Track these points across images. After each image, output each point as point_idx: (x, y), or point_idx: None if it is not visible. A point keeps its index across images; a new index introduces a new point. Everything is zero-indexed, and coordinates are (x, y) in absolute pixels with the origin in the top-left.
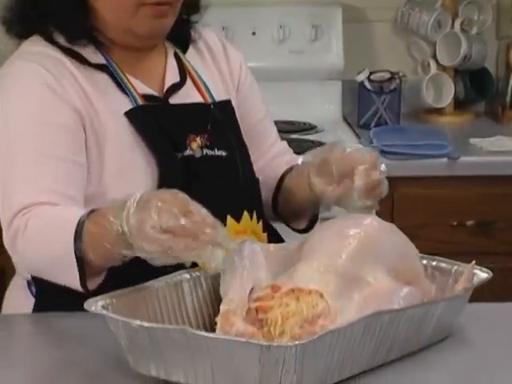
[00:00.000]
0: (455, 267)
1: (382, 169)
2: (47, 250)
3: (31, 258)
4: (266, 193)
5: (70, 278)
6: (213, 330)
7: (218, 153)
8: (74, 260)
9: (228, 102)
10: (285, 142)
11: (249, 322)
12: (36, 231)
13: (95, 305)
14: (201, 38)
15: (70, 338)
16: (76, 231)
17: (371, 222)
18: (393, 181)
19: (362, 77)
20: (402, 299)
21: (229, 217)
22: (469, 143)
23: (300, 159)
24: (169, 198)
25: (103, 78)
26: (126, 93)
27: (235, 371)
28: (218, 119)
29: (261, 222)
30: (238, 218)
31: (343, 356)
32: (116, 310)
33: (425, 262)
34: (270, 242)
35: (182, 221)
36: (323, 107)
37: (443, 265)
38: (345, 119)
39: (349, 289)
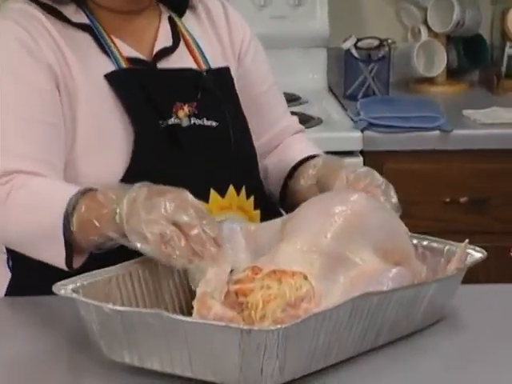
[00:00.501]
0: (447, 247)
1: (392, 201)
2: (32, 223)
3: (12, 231)
4: (274, 184)
5: (53, 254)
6: (190, 314)
7: (207, 123)
8: (62, 236)
9: (225, 70)
10: (295, 118)
11: (228, 306)
12: (20, 203)
13: (65, 288)
14: (201, 2)
15: (38, 324)
16: (67, 207)
17: (358, 198)
18: (381, 155)
19: (348, 44)
20: (391, 280)
21: (212, 190)
22: (462, 115)
23: (311, 150)
24: (188, 199)
25: (85, 39)
26: (108, 55)
27: (214, 357)
28: (211, 87)
29: (252, 199)
30: (223, 193)
31: (329, 341)
32: (87, 293)
33: (415, 241)
34: (265, 219)
35: (196, 224)
36: (307, 77)
37: (435, 244)
38: (330, 90)
39: (334, 270)
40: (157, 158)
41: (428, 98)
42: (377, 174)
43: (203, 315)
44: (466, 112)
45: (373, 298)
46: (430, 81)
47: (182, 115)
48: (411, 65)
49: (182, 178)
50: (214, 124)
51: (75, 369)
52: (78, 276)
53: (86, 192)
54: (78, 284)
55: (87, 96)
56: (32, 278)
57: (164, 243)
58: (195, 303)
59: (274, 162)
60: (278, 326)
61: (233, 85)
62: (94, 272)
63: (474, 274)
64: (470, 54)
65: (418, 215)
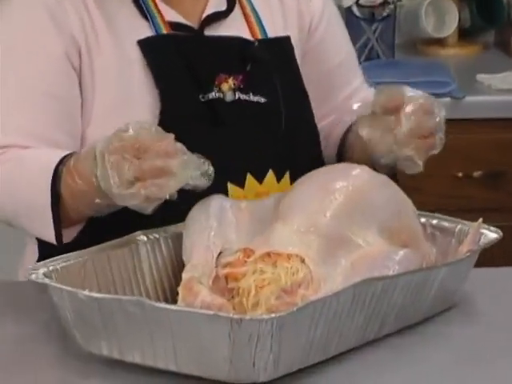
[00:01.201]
0: (459, 226)
1: (437, 119)
2: (17, 194)
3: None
4: (330, 150)
5: (42, 226)
6: (174, 301)
7: (254, 98)
8: (49, 207)
9: (284, 39)
10: (372, 90)
11: (217, 292)
12: (5, 175)
13: (36, 272)
14: None
15: (6, 312)
16: (54, 174)
17: (360, 173)
18: None
19: (349, 1)
20: (397, 264)
21: (249, 175)
22: (475, 80)
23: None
24: (117, 143)
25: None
26: (147, 19)
27: (201, 349)
28: (262, 59)
29: None
30: (261, 179)
31: (328, 331)
32: (60, 278)
33: (424, 220)
34: None
35: (139, 165)
36: None
37: (445, 223)
38: None
39: (334, 253)
40: (186, 136)
41: (438, 62)
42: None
43: (189, 303)
44: (480, 77)
45: (377, 283)
46: (440, 42)
47: (226, 88)
48: (419, 24)
49: (216, 159)
50: (263, 100)
51: (48, 362)
52: (50, 259)
53: (67, 160)
54: (51, 268)
55: (113, 65)
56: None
57: (145, 199)
58: (180, 289)
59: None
60: (272, 315)
61: (293, 56)
62: (68, 254)
63: (489, 257)
64: (484, 13)
65: (427, 191)
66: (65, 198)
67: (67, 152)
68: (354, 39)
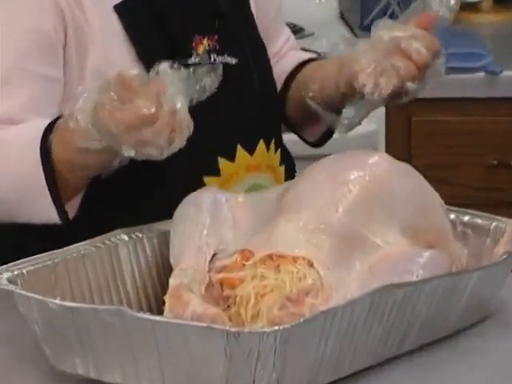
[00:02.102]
0: (495, 223)
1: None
2: (6, 176)
3: None
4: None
5: (40, 204)
6: (160, 311)
7: (228, 59)
8: (43, 178)
9: None
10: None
11: (210, 301)
12: None
13: None
14: None
15: None
16: (42, 140)
17: (379, 161)
18: (408, 104)
19: None
20: (422, 268)
21: (239, 147)
22: None
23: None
24: (106, 89)
25: None
26: None
27: (192, 367)
28: (228, 13)
29: (279, 152)
30: (252, 149)
31: (340, 346)
32: (27, 284)
33: (453, 216)
34: (285, 177)
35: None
36: (313, 2)
37: (478, 220)
38: (342, 18)
39: (348, 254)
40: None
41: (470, 30)
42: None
43: (178, 313)
44: None
45: (398, 290)
46: (473, 7)
47: (202, 51)
48: None
49: (204, 132)
50: (234, 61)
51: (12, 383)
52: (16, 262)
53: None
54: (16, 272)
55: (97, 35)
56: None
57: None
58: (167, 298)
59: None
60: (275, 328)
61: (248, 5)
62: (37, 256)
63: None
64: None
65: (457, 182)
66: (59, 161)
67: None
68: (372, 2)
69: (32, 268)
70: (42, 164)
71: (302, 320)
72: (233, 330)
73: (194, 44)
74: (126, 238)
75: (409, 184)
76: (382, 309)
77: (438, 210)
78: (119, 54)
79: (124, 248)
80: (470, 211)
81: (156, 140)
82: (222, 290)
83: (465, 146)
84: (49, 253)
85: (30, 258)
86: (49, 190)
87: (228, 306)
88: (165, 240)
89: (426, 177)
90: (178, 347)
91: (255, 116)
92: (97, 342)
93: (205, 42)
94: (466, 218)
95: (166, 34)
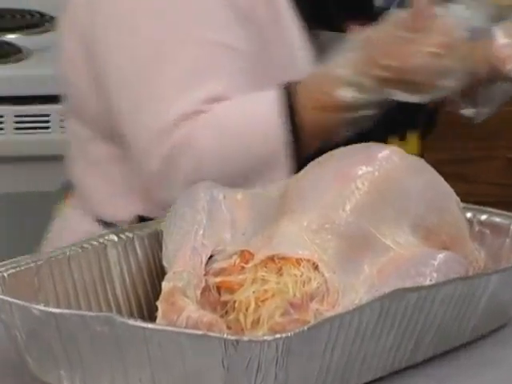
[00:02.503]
0: None
1: None
2: (240, 151)
3: (215, 171)
4: None
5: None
6: (153, 318)
7: None
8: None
9: None
10: None
11: (206, 307)
12: (217, 134)
13: None
14: None
15: None
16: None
17: (389, 155)
18: None
19: None
20: (436, 271)
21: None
22: None
23: None
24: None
25: None
26: None
27: (187, 379)
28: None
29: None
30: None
31: (348, 356)
32: (8, 288)
33: (470, 214)
34: None
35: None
36: None
37: (497, 219)
38: None
39: (356, 256)
40: None
41: None
42: None
43: (171, 320)
44: None
45: (410, 295)
46: None
47: None
48: None
49: None
50: None
51: None
52: None
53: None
54: None
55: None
56: None
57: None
58: (160, 303)
59: None
60: (277, 336)
61: None
62: (18, 258)
63: None
64: None
65: (475, 178)
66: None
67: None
68: None
69: (13, 271)
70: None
71: (306, 327)
72: (231, 338)
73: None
74: (115, 238)
75: (422, 180)
76: (392, 315)
77: (454, 208)
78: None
79: (113, 249)
80: (488, 209)
81: (457, 67)
82: (219, 294)
83: (483, 139)
84: (32, 254)
85: (12, 260)
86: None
87: (226, 312)
88: (157, 240)
89: (440, 172)
90: (172, 357)
91: None
92: (83, 352)
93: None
94: (484, 217)
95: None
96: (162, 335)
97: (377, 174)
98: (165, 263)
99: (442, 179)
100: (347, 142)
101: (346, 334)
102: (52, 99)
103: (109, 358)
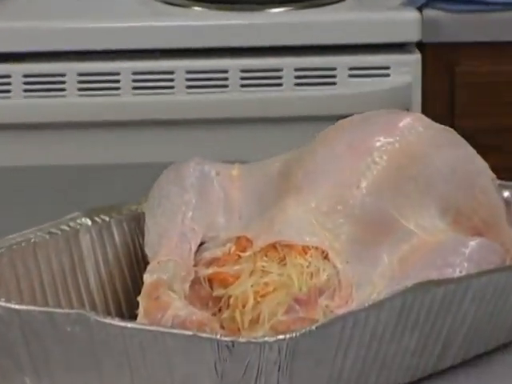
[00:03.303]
0: None
1: None
2: None
3: None
4: None
5: None
6: (133, 316)
7: None
8: None
9: None
10: None
11: (196, 303)
12: None
13: None
14: None
15: None
16: None
17: (412, 123)
18: (451, 50)
19: None
20: (467, 260)
21: None
22: None
23: None
24: None
25: None
26: None
27: None
28: None
29: None
30: None
31: (363, 360)
32: None
33: (507, 193)
34: None
35: None
36: None
37: None
38: None
39: (374, 243)
40: None
41: None
42: None
43: (155, 318)
44: None
45: (437, 289)
46: None
47: None
48: None
49: None
50: None
51: None
52: None
53: None
54: None
55: None
56: None
57: None
58: (142, 299)
59: None
60: (280, 337)
61: None
62: None
63: None
64: None
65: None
66: None
67: None
68: None
69: None
70: None
71: (313, 327)
72: (225, 339)
73: None
74: (88, 221)
75: (451, 153)
76: (416, 313)
77: (488, 186)
78: None
79: (86, 234)
80: None
81: None
82: (211, 288)
83: None
84: None
85: None
86: None
87: (219, 310)
88: (138, 224)
89: (472, 144)
90: (156, 362)
91: None
92: (52, 356)
93: None
94: None
95: None
96: (145, 336)
97: (398, 146)
98: (147, 251)
99: (475, 152)
100: None
101: (360, 335)
102: None
103: (81, 363)
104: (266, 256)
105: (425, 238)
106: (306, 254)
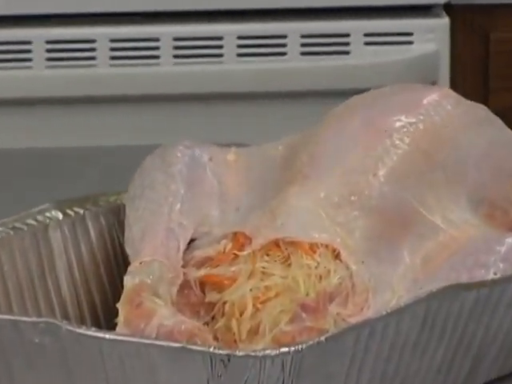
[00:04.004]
0: None
1: None
2: None
3: None
4: None
5: None
6: (111, 325)
7: None
8: None
9: None
10: None
11: (186, 310)
12: None
13: None
14: None
15: None
16: None
17: (439, 101)
18: (482, 14)
19: None
20: (502, 260)
21: None
22: None
23: None
24: None
25: None
26: None
27: None
28: None
29: None
30: None
31: (381, 377)
32: None
33: None
34: None
35: None
36: None
37: None
38: None
39: (393, 240)
40: None
41: None
42: None
43: (137, 328)
44: None
45: (467, 294)
46: None
47: None
48: None
49: None
50: None
51: None
52: None
53: None
54: None
55: None
56: None
57: None
58: (122, 305)
59: None
60: (284, 349)
61: None
62: None
63: None
64: None
65: None
66: None
67: None
68: None
69: None
70: None
71: (323, 338)
72: (220, 352)
73: None
74: (59, 214)
75: (484, 135)
76: (442, 321)
77: None
78: None
79: (57, 230)
80: None
81: None
82: (203, 293)
83: None
84: None
85: None
86: None
87: (213, 318)
88: (117, 218)
89: (509, 123)
90: (139, 378)
91: None
92: (17, 370)
93: None
94: None
95: None
96: (125, 349)
97: (421, 126)
98: (128, 250)
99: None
100: None
101: (377, 347)
102: None
103: (51, 379)
104: (268, 255)
105: (453, 233)
106: (313, 252)
